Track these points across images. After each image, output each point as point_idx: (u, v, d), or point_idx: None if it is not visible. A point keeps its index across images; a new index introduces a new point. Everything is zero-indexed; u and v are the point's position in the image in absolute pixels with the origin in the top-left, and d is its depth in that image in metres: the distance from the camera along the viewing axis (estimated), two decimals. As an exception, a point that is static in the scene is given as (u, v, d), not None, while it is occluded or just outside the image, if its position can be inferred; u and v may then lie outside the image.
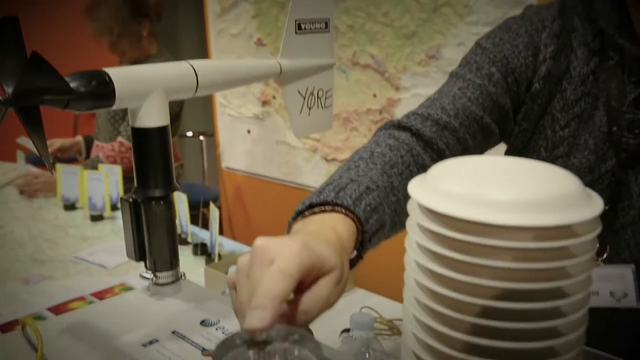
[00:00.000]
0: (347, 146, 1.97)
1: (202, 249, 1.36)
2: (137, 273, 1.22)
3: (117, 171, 1.61)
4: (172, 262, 0.85)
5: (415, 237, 0.42)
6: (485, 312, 0.39)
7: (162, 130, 0.78)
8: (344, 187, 0.59)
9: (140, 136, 0.78)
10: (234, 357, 0.37)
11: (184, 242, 1.40)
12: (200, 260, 1.32)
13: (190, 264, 1.32)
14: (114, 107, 0.73)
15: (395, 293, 0.99)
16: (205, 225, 1.40)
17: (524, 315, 0.39)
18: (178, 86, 0.79)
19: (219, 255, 1.31)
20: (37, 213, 1.65)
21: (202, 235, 1.41)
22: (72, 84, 0.68)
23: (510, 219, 0.37)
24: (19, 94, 0.63)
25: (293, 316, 0.45)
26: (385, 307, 1.02)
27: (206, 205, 1.41)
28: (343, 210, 0.56)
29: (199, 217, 1.48)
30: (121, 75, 0.72)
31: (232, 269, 0.47)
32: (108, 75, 0.71)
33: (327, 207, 0.57)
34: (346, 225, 0.55)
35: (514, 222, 0.37)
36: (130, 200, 0.81)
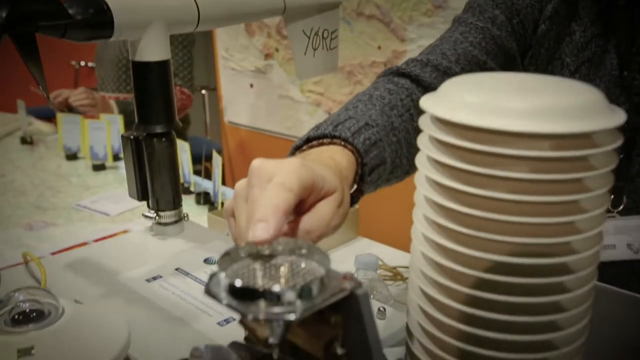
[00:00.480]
0: (351, 99, 1.94)
1: (205, 198, 1.36)
2: (140, 221, 1.21)
3: (118, 120, 1.59)
4: (175, 202, 0.84)
5: (427, 152, 0.40)
6: (500, 228, 0.38)
7: (163, 64, 0.76)
8: (342, 122, 0.57)
9: (141, 70, 0.76)
10: (238, 268, 0.36)
11: (187, 191, 1.39)
12: (204, 209, 1.32)
13: (193, 212, 1.30)
14: (113, 38, 0.71)
15: (398, 242, 0.98)
16: (208, 178, 1.39)
17: (538, 231, 0.38)
18: (179, 18, 0.77)
19: (222, 204, 1.30)
20: (38, 162, 1.64)
21: (205, 185, 1.40)
22: (69, 11, 0.65)
23: (527, 126, 0.35)
24: (13, 18, 0.60)
25: (295, 237, 0.44)
26: (389, 255, 1.01)
27: (209, 158, 1.39)
28: (342, 143, 0.55)
29: (201, 172, 1.47)
30: (120, 3, 0.69)
31: (228, 201, 0.46)
32: (106, 3, 0.68)
33: (325, 140, 0.56)
34: (345, 155, 0.54)
35: (530, 129, 0.35)
36: (132, 137, 0.79)
